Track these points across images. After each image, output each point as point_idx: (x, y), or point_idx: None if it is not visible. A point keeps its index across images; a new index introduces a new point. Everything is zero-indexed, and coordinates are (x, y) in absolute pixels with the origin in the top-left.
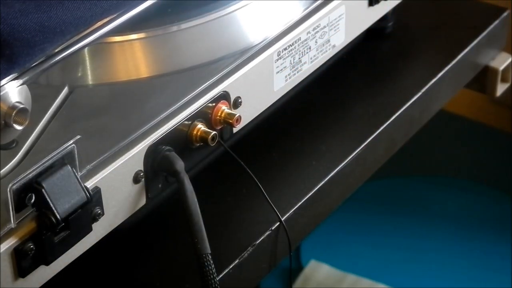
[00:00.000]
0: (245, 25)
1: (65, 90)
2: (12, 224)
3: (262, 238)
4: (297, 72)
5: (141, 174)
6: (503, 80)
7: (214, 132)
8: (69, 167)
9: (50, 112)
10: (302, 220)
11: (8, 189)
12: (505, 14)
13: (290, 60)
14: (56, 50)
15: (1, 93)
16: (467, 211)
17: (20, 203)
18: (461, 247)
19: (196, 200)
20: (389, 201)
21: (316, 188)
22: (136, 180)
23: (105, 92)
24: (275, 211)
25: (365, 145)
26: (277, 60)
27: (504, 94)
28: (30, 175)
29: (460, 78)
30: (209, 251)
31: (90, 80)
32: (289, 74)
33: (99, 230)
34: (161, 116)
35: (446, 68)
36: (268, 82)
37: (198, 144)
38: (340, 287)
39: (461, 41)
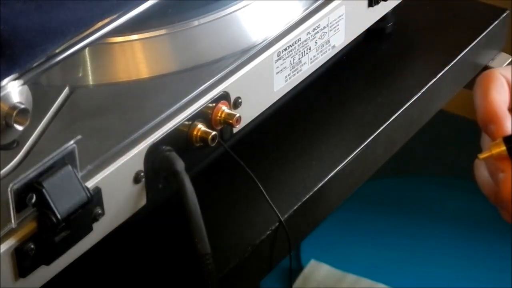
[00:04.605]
0: (245, 26)
1: (66, 91)
2: (13, 224)
3: (262, 238)
4: (297, 72)
5: (142, 174)
6: None
7: (214, 132)
8: (70, 167)
9: (51, 112)
10: (302, 220)
11: (9, 189)
12: (505, 14)
13: (290, 61)
14: (57, 51)
15: (2, 94)
16: (467, 211)
17: (20, 203)
18: (461, 247)
19: (196, 200)
20: (389, 201)
21: (316, 188)
22: (136, 180)
23: (106, 93)
24: (275, 211)
25: (365, 145)
26: (277, 60)
27: None
28: (31, 175)
29: (460, 78)
30: (209, 251)
31: (90, 80)
32: (289, 75)
33: (100, 230)
34: (161, 116)
35: (446, 68)
36: (268, 83)
37: (198, 144)
38: (340, 287)
39: (461, 41)
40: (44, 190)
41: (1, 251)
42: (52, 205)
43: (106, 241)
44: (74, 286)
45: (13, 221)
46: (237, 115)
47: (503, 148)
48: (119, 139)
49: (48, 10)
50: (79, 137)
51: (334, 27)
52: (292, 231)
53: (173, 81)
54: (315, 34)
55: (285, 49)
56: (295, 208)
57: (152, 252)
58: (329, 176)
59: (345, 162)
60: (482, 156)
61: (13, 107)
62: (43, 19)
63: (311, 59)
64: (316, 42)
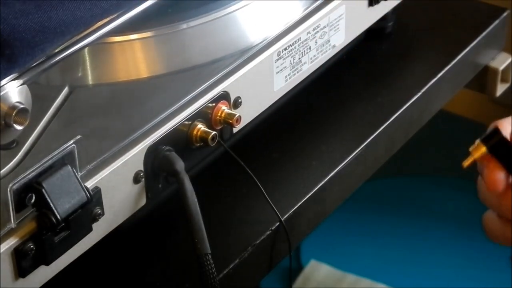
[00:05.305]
0: (245, 25)
1: (65, 90)
2: (12, 224)
3: (262, 238)
4: (297, 72)
5: (141, 174)
6: (503, 80)
7: (214, 132)
8: (69, 167)
9: (51, 112)
10: (302, 220)
11: (8, 189)
12: (505, 14)
13: (290, 60)
14: (56, 50)
15: (2, 93)
16: (467, 211)
17: (20, 203)
18: (461, 247)
19: (196, 200)
20: (389, 201)
21: (316, 188)
22: (136, 180)
23: (105, 92)
24: (275, 211)
25: (365, 145)
26: (277, 60)
27: (504, 94)
28: (30, 175)
29: (460, 78)
30: (209, 251)
31: (90, 80)
32: (289, 74)
33: (99, 230)
34: (161, 116)
35: (446, 68)
36: (268, 82)
37: (198, 144)
38: (340, 287)
39: (461, 41)
40: (43, 190)
41: (1, 251)
42: (51, 205)
43: (105, 241)
44: (74, 286)
45: (12, 221)
46: (237, 115)
47: (483, 149)
48: (119, 139)
49: (48, 9)
50: (78, 137)
51: (334, 27)
52: (292, 231)
53: (173, 81)
54: (315, 33)
55: (285, 49)
56: (295, 208)
57: (152, 252)
58: (329, 176)
59: (345, 162)
60: (466, 163)
61: (13, 107)
62: (42, 18)
63: (311, 58)
64: (316, 42)
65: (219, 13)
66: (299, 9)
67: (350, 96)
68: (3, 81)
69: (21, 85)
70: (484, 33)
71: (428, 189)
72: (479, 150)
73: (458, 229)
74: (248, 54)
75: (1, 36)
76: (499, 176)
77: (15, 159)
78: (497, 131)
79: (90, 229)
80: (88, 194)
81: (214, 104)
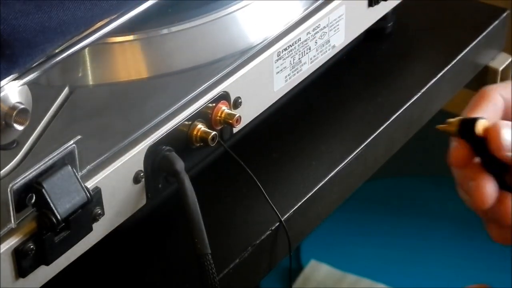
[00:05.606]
0: (245, 26)
1: (65, 91)
2: (13, 224)
3: (262, 238)
4: (297, 72)
5: (141, 174)
6: (503, 80)
7: (214, 132)
8: (70, 167)
9: (51, 113)
10: (302, 220)
11: (9, 189)
12: (505, 14)
13: (290, 61)
14: (57, 51)
15: (2, 94)
16: (467, 211)
17: (20, 203)
18: (461, 247)
19: (196, 200)
20: (389, 201)
21: (316, 188)
22: (136, 180)
23: (106, 92)
24: (275, 211)
25: (365, 145)
26: (277, 60)
27: None
28: (31, 175)
29: (460, 78)
30: (209, 251)
31: (90, 80)
32: (289, 75)
33: (99, 230)
34: (161, 116)
35: (446, 68)
36: (268, 83)
37: (198, 144)
38: (340, 287)
39: (461, 41)
40: (43, 190)
41: (1, 251)
42: (51, 205)
43: (106, 241)
44: (74, 286)
45: (13, 221)
46: (237, 115)
47: (454, 129)
48: (119, 139)
49: (48, 10)
50: (78, 137)
51: (334, 27)
52: (292, 231)
53: (173, 81)
54: (315, 34)
55: (285, 49)
56: (295, 208)
57: (152, 252)
58: (329, 176)
59: (345, 162)
60: (440, 127)
61: (13, 107)
62: (43, 19)
63: (311, 59)
64: (316, 42)
65: (219, 13)
66: (299, 9)
67: (350, 96)
68: (3, 82)
69: (21, 85)
70: (484, 33)
71: (428, 189)
72: (453, 126)
73: (458, 229)
74: (248, 54)
75: (1, 36)
76: (463, 154)
77: (15, 159)
78: (474, 121)
79: (90, 229)
80: (88, 194)
81: (214, 104)
